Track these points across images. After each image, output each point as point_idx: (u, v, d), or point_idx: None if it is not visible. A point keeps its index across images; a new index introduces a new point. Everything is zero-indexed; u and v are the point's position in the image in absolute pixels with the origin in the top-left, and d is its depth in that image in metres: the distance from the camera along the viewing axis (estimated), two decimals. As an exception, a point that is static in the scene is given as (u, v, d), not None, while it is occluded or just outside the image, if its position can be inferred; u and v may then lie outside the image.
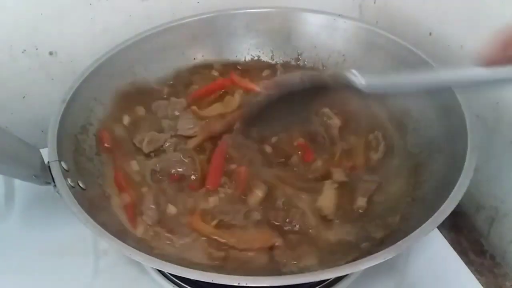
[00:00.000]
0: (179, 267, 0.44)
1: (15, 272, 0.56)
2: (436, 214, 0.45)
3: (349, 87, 0.44)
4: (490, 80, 0.40)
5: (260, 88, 0.65)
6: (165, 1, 0.74)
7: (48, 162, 0.50)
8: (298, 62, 0.74)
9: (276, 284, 0.41)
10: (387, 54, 0.67)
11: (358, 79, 0.44)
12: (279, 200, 0.55)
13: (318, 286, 0.53)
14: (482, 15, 0.58)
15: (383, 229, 0.52)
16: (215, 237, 0.51)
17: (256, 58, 0.75)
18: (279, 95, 0.47)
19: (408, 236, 0.44)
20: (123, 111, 0.64)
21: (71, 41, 0.72)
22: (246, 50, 0.75)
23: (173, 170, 0.58)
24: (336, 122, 0.63)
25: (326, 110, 0.64)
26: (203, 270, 0.42)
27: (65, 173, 0.50)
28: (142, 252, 0.44)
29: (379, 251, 0.43)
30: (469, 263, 0.59)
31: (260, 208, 0.54)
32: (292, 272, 0.49)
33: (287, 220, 0.53)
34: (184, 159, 0.58)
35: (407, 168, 0.59)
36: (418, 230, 0.44)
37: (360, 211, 0.55)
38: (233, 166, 0.57)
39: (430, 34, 0.68)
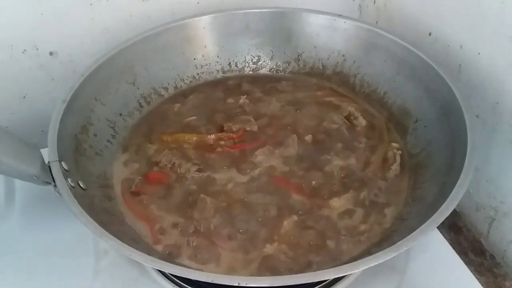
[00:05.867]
0: (179, 267, 0.44)
1: (15, 272, 0.56)
2: (436, 214, 0.45)
3: None
4: None
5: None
6: (165, 1, 0.74)
7: (49, 162, 0.50)
8: (298, 62, 0.74)
9: (276, 284, 0.41)
10: (387, 54, 0.67)
11: None
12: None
13: (318, 286, 0.53)
14: (482, 15, 0.58)
15: None
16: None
17: (256, 58, 0.75)
18: None
19: (408, 236, 0.44)
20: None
21: (71, 41, 0.72)
22: (246, 50, 0.75)
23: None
24: (361, 121, 0.65)
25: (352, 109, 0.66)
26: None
27: (66, 173, 0.50)
28: (142, 252, 0.44)
29: (379, 251, 0.43)
30: (468, 263, 0.59)
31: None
32: (291, 272, 0.49)
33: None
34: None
35: (407, 168, 0.59)
36: (418, 230, 0.44)
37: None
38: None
39: (430, 34, 0.68)
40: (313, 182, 0.58)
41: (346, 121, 0.65)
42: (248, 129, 0.65)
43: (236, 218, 0.54)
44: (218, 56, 0.74)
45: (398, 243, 0.43)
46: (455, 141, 0.54)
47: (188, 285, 0.53)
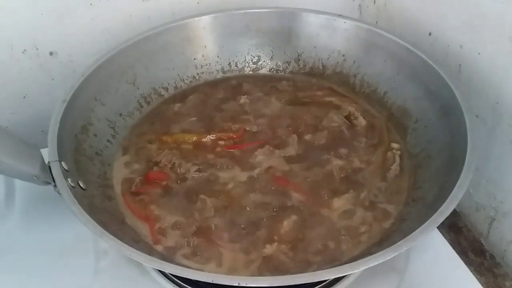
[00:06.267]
0: (179, 267, 0.44)
1: (15, 272, 0.56)
2: (436, 214, 0.45)
3: None
4: None
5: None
6: (165, 1, 0.74)
7: (49, 162, 0.50)
8: (298, 62, 0.74)
9: (276, 284, 0.41)
10: (387, 54, 0.67)
11: None
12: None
13: (318, 286, 0.53)
14: (482, 15, 0.58)
15: None
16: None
17: (256, 58, 0.75)
18: None
19: (408, 236, 0.44)
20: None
21: (71, 41, 0.72)
22: (246, 50, 0.75)
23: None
24: (361, 121, 0.65)
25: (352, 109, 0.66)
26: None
27: (66, 173, 0.50)
28: (142, 252, 0.44)
29: (379, 251, 0.43)
30: (468, 263, 0.59)
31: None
32: (291, 272, 0.49)
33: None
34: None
35: (407, 168, 0.59)
36: (418, 230, 0.44)
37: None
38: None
39: (430, 34, 0.68)
40: (313, 182, 0.58)
41: (346, 121, 0.65)
42: (248, 129, 0.65)
43: (236, 218, 0.54)
44: (218, 56, 0.74)
45: (398, 243, 0.43)
46: (455, 141, 0.54)
47: (188, 285, 0.53)
